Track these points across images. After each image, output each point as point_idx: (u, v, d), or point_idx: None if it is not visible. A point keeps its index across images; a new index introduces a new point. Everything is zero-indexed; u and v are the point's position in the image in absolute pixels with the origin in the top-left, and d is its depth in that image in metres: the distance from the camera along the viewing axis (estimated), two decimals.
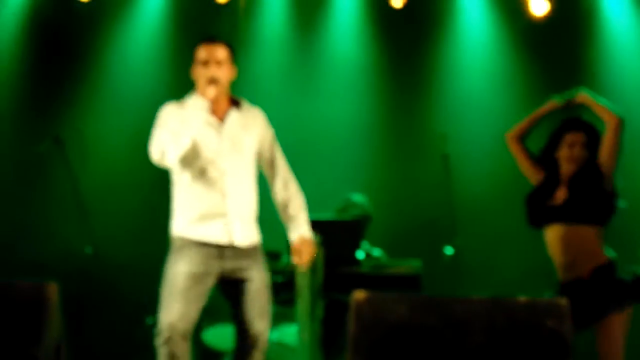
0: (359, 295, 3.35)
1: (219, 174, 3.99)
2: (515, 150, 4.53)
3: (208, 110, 3.92)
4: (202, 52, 3.95)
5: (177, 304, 3.84)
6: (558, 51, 6.80)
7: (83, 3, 6.78)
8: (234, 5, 6.84)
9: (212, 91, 3.89)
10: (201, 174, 3.97)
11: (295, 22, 7.13)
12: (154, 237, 4.65)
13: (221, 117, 4.04)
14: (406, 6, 6.79)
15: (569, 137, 4.32)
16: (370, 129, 7.12)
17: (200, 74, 3.94)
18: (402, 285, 5.56)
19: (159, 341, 3.85)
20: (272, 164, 4.15)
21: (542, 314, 3.23)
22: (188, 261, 3.90)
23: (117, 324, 6.48)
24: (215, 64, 3.91)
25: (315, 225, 4.76)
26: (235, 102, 4.09)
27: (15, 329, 3.48)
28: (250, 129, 4.09)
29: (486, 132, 6.62)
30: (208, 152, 3.98)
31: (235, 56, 4.06)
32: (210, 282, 3.95)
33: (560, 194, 4.31)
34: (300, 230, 4.13)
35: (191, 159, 3.91)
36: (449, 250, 5.69)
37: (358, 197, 6.19)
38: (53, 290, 3.50)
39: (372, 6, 6.99)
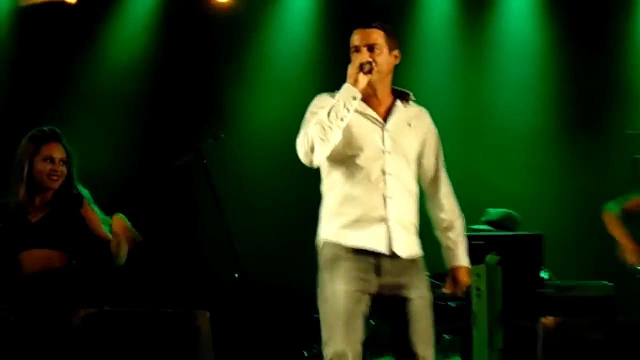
0: (547, 321, 3.32)
1: (380, 174, 3.72)
2: None
3: (360, 100, 3.68)
4: (354, 38, 3.72)
5: (342, 330, 3.59)
6: None
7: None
8: None
9: (362, 79, 3.63)
10: (359, 173, 3.72)
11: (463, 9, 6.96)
12: (306, 256, 4.39)
13: (384, 112, 3.81)
14: None
15: None
16: (544, 129, 6.83)
17: (351, 61, 3.70)
18: (592, 309, 5.27)
19: None
20: (433, 175, 3.90)
21: None
22: (345, 276, 3.63)
23: (272, 356, 6.36)
24: (367, 49, 3.67)
25: (493, 241, 4.65)
26: (400, 95, 3.84)
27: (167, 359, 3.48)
28: (414, 129, 3.83)
29: None
30: (368, 149, 3.73)
31: (396, 41, 3.82)
32: (368, 302, 3.68)
33: None
34: (460, 261, 3.89)
35: (346, 156, 3.70)
36: None
37: (499, 212, 5.91)
38: (204, 319, 3.47)
39: None
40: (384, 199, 3.71)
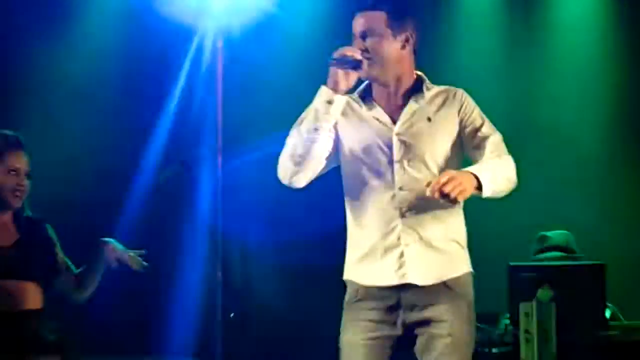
0: None
1: (389, 189, 3.32)
2: None
3: (363, 100, 3.36)
4: (353, 25, 3.34)
5: None
6: None
7: None
8: None
9: (344, 78, 3.26)
10: (366, 192, 3.36)
11: None
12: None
13: (398, 110, 3.37)
14: None
15: None
16: (606, 144, 6.48)
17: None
18: None
19: None
20: (483, 143, 3.38)
21: None
22: (360, 322, 3.32)
23: None
24: (360, 37, 3.31)
25: (545, 272, 4.39)
26: (417, 87, 3.37)
27: None
28: (437, 122, 3.37)
29: None
30: (373, 161, 3.35)
31: (409, 20, 3.36)
32: (390, 348, 3.36)
33: None
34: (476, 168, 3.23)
35: (350, 172, 3.35)
36: None
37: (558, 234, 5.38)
38: None
39: None
40: (397, 219, 3.29)
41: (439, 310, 3.28)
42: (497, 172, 3.19)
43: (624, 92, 6.49)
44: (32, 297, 3.90)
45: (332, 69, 3.21)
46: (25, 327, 3.83)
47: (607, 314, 4.94)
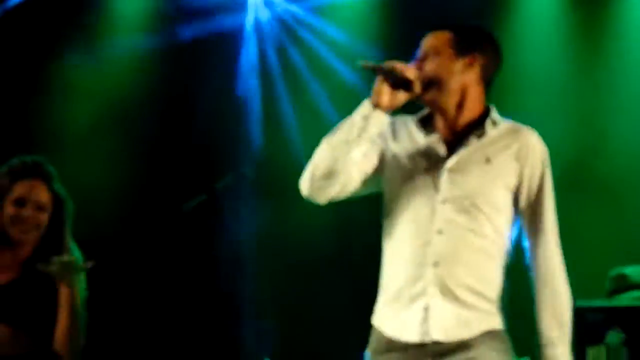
0: None
1: (428, 231, 2.96)
2: None
3: (413, 123, 3.04)
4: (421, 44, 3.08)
5: None
6: None
7: None
8: None
9: (387, 95, 2.93)
10: (404, 229, 2.99)
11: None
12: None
13: (452, 143, 2.99)
14: None
15: None
16: None
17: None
18: None
19: None
20: (535, 220, 2.99)
21: None
22: None
23: None
24: (420, 58, 2.99)
25: (614, 313, 4.29)
26: (481, 121, 2.99)
27: None
28: (496, 166, 2.95)
29: None
30: (417, 196, 2.98)
31: (474, 43, 3.05)
32: None
33: None
34: (559, 350, 2.95)
35: (391, 204, 3.04)
36: None
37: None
38: None
39: None
40: (429, 266, 2.95)
41: (470, 354, 2.95)
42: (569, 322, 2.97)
43: None
44: (16, 344, 3.54)
45: (377, 81, 2.90)
46: None
47: None
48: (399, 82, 2.86)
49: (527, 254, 3.00)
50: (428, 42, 2.96)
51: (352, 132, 2.89)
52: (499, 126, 2.94)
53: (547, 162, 2.96)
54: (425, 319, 2.88)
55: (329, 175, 2.91)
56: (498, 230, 2.93)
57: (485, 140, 2.92)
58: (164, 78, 6.33)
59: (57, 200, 3.57)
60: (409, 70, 2.86)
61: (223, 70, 6.33)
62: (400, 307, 2.94)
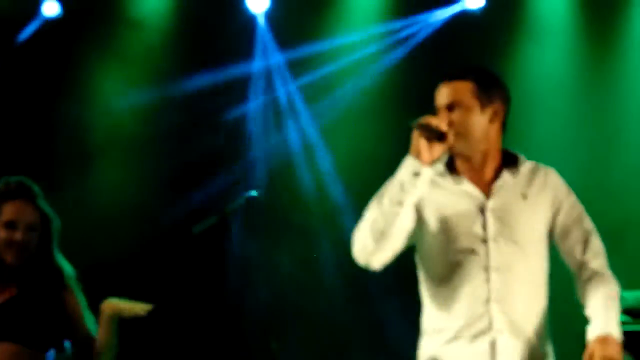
0: None
1: (482, 270, 3.20)
2: None
3: (449, 173, 3.26)
4: (436, 97, 3.25)
5: None
6: None
7: None
8: None
9: (428, 149, 3.13)
10: (456, 271, 3.22)
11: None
12: None
13: (487, 185, 3.26)
14: None
15: None
16: None
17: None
18: None
19: None
20: (580, 255, 3.27)
21: None
22: None
23: None
24: (446, 109, 3.18)
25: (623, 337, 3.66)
26: (509, 161, 3.28)
27: None
28: (533, 202, 3.26)
29: None
30: (464, 237, 3.21)
31: (497, 93, 3.27)
32: None
33: None
34: (602, 326, 3.14)
35: (437, 249, 3.24)
36: None
37: (636, 295, 5.21)
38: None
39: None
40: (489, 303, 3.16)
41: None
42: (616, 314, 3.12)
43: None
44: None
45: (415, 137, 3.04)
46: None
47: None
48: (433, 136, 2.98)
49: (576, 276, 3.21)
50: (452, 92, 3.13)
51: (404, 189, 3.03)
52: (526, 164, 3.18)
53: (571, 192, 3.22)
54: (493, 356, 3.08)
55: (383, 238, 3.04)
56: (542, 265, 3.16)
57: (517, 178, 3.15)
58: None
59: (44, 218, 3.69)
60: (443, 124, 2.99)
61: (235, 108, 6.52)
62: (463, 344, 3.12)
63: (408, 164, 3.05)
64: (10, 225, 3.65)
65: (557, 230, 3.23)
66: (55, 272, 3.76)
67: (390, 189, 3.07)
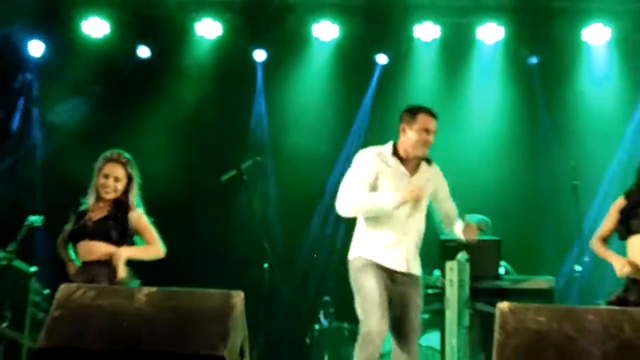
0: (503, 306, 3.53)
1: (404, 216, 4.62)
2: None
3: (397, 160, 4.62)
4: (428, 122, 4.63)
5: (377, 312, 4.39)
6: None
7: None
8: None
9: (425, 152, 4.64)
10: (392, 214, 4.58)
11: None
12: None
13: (413, 169, 4.70)
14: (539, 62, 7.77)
15: None
16: (506, 163, 7.92)
17: (421, 137, 4.62)
18: (537, 298, 5.92)
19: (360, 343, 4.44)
20: (446, 207, 4.85)
21: None
22: (375, 276, 4.48)
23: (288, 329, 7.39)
24: (433, 134, 4.65)
25: (463, 244, 5.25)
26: (426, 160, 4.76)
27: (205, 334, 3.61)
28: (434, 182, 4.78)
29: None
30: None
31: None
32: (387, 297, 4.52)
33: None
34: (459, 227, 4.82)
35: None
36: (578, 268, 6.29)
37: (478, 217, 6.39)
38: (239, 298, 3.73)
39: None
40: (404, 234, 4.60)
41: (412, 288, 4.59)
42: None
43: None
44: (103, 250, 4.87)
45: (410, 198, 4.44)
46: (102, 270, 4.86)
47: (503, 270, 6.18)
48: (418, 200, 4.56)
49: (441, 222, 4.78)
50: (434, 124, 4.58)
51: (381, 211, 4.44)
52: (431, 162, 4.71)
53: (445, 180, 4.76)
54: (404, 260, 4.55)
55: (355, 214, 4.56)
56: (425, 211, 4.69)
57: (425, 168, 4.67)
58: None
59: (129, 175, 5.07)
60: (422, 195, 4.53)
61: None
62: (388, 251, 4.50)
63: (395, 200, 4.42)
64: (105, 176, 5.04)
65: (438, 197, 4.75)
66: (129, 205, 5.03)
67: (374, 206, 4.42)
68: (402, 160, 4.62)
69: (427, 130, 4.58)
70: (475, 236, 4.71)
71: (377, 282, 4.47)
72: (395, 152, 4.61)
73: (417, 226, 4.68)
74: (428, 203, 4.72)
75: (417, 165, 4.70)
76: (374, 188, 4.54)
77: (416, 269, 4.70)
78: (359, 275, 4.56)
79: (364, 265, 4.55)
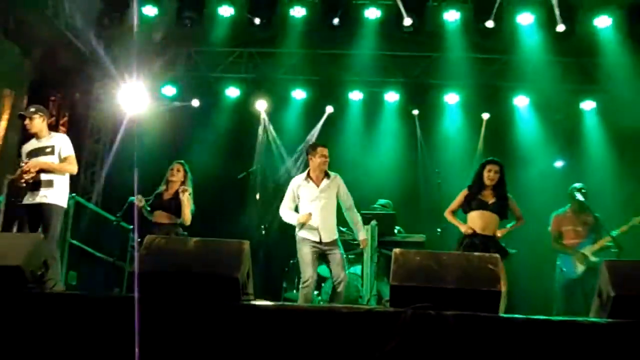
0: (396, 250, 4.59)
1: (317, 209, 7.23)
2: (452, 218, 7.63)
3: (309, 180, 7.11)
4: (324, 151, 7.22)
5: (309, 268, 6.92)
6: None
7: None
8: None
9: (324, 170, 7.09)
10: (308, 209, 7.19)
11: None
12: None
13: (319, 182, 7.22)
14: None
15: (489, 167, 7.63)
16: (401, 171, 11.68)
17: (322, 162, 7.18)
18: (415, 247, 8.28)
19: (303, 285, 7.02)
20: (345, 202, 7.36)
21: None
22: (307, 245, 7.03)
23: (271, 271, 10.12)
24: (327, 158, 7.20)
25: (374, 215, 8.33)
26: (327, 174, 7.24)
27: (227, 264, 4.64)
28: (333, 187, 7.21)
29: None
30: (310, 200, 7.23)
31: None
32: (317, 256, 7.05)
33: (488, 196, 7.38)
34: (362, 236, 7.44)
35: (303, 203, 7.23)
36: (438, 231, 8.97)
37: (384, 201, 9.39)
38: (246, 245, 4.86)
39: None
40: (317, 219, 7.09)
41: (332, 247, 7.04)
42: (362, 225, 7.24)
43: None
44: (171, 220, 7.60)
45: (322, 168, 6.85)
46: (170, 229, 7.47)
47: (396, 230, 8.78)
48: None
49: (344, 209, 7.38)
50: (326, 151, 7.22)
51: (293, 222, 7.19)
52: (331, 176, 7.27)
53: (344, 183, 7.29)
54: (318, 235, 7.10)
55: (287, 220, 7.30)
56: (335, 206, 7.32)
57: (327, 182, 7.28)
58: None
59: (185, 174, 7.95)
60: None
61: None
62: (309, 231, 7.16)
63: (297, 219, 6.89)
64: (171, 174, 7.85)
65: (340, 196, 7.13)
66: (177, 198, 7.68)
67: (289, 220, 6.94)
68: (312, 178, 6.97)
69: (324, 156, 7.01)
70: (365, 245, 7.39)
71: (308, 250, 7.08)
72: (308, 174, 7.08)
73: (328, 214, 7.15)
74: (337, 202, 7.31)
75: (322, 179, 7.08)
76: (296, 199, 7.12)
77: (329, 239, 7.14)
78: (298, 247, 7.26)
79: (300, 241, 7.21)
